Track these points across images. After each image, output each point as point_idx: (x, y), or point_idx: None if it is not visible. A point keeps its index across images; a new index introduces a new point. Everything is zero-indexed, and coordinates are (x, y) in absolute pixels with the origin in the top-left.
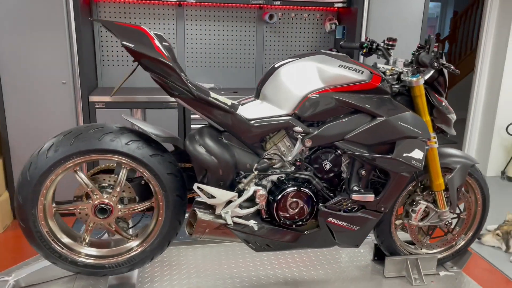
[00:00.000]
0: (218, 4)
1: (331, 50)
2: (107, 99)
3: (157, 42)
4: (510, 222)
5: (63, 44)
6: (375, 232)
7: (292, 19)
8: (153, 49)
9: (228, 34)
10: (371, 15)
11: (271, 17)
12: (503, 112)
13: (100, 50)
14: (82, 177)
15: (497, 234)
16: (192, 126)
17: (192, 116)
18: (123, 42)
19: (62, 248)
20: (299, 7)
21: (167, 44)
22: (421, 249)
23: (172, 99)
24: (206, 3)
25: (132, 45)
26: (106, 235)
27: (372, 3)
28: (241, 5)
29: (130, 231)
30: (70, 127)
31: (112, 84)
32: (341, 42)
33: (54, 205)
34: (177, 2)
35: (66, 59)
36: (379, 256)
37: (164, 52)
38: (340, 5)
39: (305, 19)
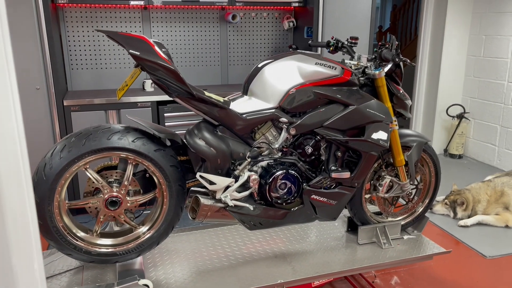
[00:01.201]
0: (182, 6)
1: (290, 46)
2: (81, 102)
3: (157, 49)
4: (455, 192)
5: (35, 50)
6: (348, 206)
7: (253, 18)
8: (155, 55)
9: (193, 35)
10: (325, 13)
11: (233, 17)
12: (443, 95)
13: (68, 54)
14: (92, 174)
15: (446, 204)
16: (166, 124)
17: (165, 115)
18: (130, 50)
19: (77, 240)
20: (259, 7)
21: (165, 50)
22: (387, 218)
23: (145, 99)
24: (171, 6)
25: (139, 53)
26: (108, 227)
27: (326, 3)
28: (205, 6)
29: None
30: (46, 131)
31: (81, 87)
32: (309, 41)
33: (66, 201)
34: (143, 6)
35: (39, 65)
36: (352, 227)
37: (166, 57)
38: (296, 4)
39: (265, 18)
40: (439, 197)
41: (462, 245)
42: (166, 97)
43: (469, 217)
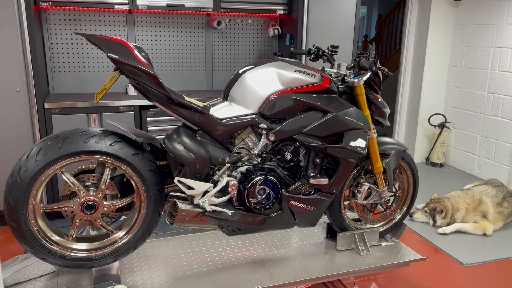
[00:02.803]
0: (167, 11)
1: (275, 53)
2: (62, 105)
3: (137, 52)
4: (435, 200)
5: (16, 52)
6: (327, 212)
7: (238, 25)
8: (135, 59)
9: (178, 40)
10: (309, 21)
11: (218, 23)
12: (425, 105)
13: (51, 57)
14: (68, 177)
15: (425, 211)
16: (148, 128)
17: (148, 119)
18: (109, 54)
19: (52, 245)
20: (244, 13)
21: (145, 54)
22: (365, 225)
23: (128, 103)
24: (155, 10)
25: (117, 57)
26: (85, 232)
27: (310, 11)
28: (190, 12)
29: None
30: (26, 134)
31: (63, 90)
32: (291, 49)
33: (42, 204)
34: (127, 10)
35: (20, 67)
36: (331, 234)
37: (145, 61)
38: (281, 12)
39: (250, 25)
40: (419, 205)
41: (440, 252)
42: (149, 102)
43: (448, 225)
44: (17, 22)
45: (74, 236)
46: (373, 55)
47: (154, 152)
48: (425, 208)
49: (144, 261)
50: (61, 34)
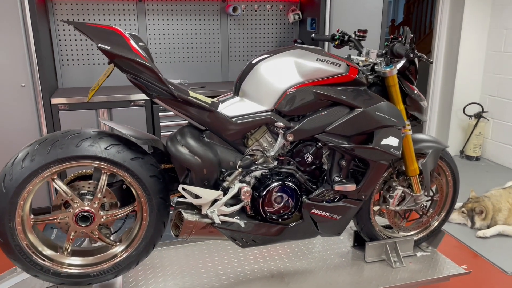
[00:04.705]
0: None
1: (296, 41)
2: (70, 100)
3: (133, 43)
4: (473, 199)
5: (20, 45)
6: (355, 219)
7: (256, 11)
8: (130, 50)
9: (191, 28)
10: (333, 5)
11: (234, 9)
12: (460, 93)
13: (59, 49)
14: (60, 185)
15: (463, 212)
16: (161, 124)
17: (160, 114)
18: (99, 44)
19: (44, 260)
20: None
21: (143, 44)
22: (398, 232)
23: (139, 97)
24: None
25: (109, 47)
26: (85, 242)
27: None
28: None
29: (113, 237)
30: (32, 132)
31: (73, 84)
32: (312, 35)
33: (32, 216)
34: None
35: (24, 61)
36: (358, 242)
37: (141, 52)
38: None
39: (268, 11)
40: (456, 204)
41: (480, 258)
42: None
43: (488, 227)
44: (20, 13)
45: (69, 249)
46: (410, 40)
47: (157, 154)
48: (463, 209)
49: (151, 272)
50: (68, 25)
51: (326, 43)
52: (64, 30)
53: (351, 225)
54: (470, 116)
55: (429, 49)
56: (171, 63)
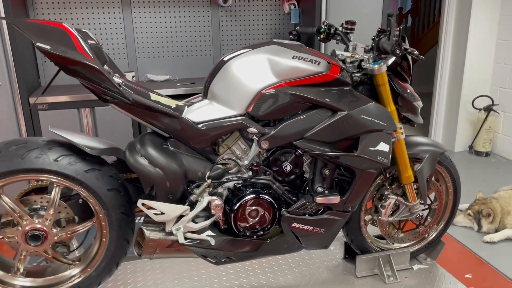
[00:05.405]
0: None
1: (291, 33)
2: (49, 99)
3: (80, 41)
4: (480, 200)
5: None
6: (344, 231)
7: (249, 1)
8: (74, 50)
9: (180, 21)
10: None
11: (225, 0)
12: (468, 85)
13: None
14: (6, 201)
15: (469, 214)
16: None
17: None
18: (37, 44)
19: None
20: None
21: (93, 42)
22: (392, 243)
23: None
24: None
25: (48, 47)
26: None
27: None
28: None
29: (76, 252)
30: (11, 134)
31: (56, 82)
32: (297, 27)
33: None
34: None
35: None
36: (350, 254)
37: (89, 52)
38: None
39: (262, 1)
40: (462, 205)
41: (487, 266)
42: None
43: (496, 231)
44: None
45: (21, 270)
46: (396, 33)
47: (122, 162)
48: (469, 211)
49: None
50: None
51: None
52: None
53: (342, 233)
54: (480, 109)
55: (437, 39)
56: (159, 57)
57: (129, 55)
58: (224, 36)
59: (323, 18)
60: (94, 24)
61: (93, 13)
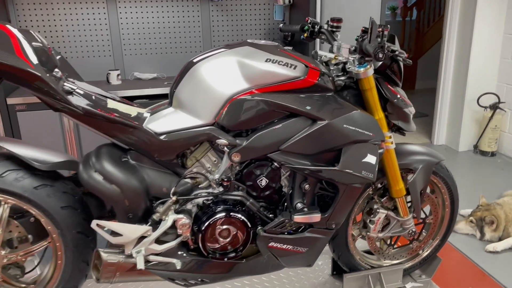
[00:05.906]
0: None
1: (281, 29)
2: (28, 99)
3: (22, 44)
4: (484, 206)
5: None
6: (330, 247)
7: None
8: (12, 54)
9: (168, 16)
10: None
11: None
12: (473, 82)
13: None
14: None
15: (471, 221)
16: None
17: None
18: None
19: None
20: None
21: (39, 44)
22: (384, 259)
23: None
24: None
25: None
26: None
27: None
28: None
29: (38, 270)
30: None
31: None
32: (280, 25)
33: None
34: None
35: None
36: (338, 270)
37: (30, 56)
38: None
39: None
40: (464, 211)
41: (489, 279)
42: (135, 92)
43: (500, 239)
44: None
45: None
46: (378, 33)
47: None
48: (471, 218)
49: None
50: (30, 15)
51: (318, 40)
52: (26, 21)
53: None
54: (485, 107)
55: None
56: (147, 55)
57: (114, 52)
58: (215, 32)
59: (317, 15)
60: (78, 20)
61: (76, 8)
